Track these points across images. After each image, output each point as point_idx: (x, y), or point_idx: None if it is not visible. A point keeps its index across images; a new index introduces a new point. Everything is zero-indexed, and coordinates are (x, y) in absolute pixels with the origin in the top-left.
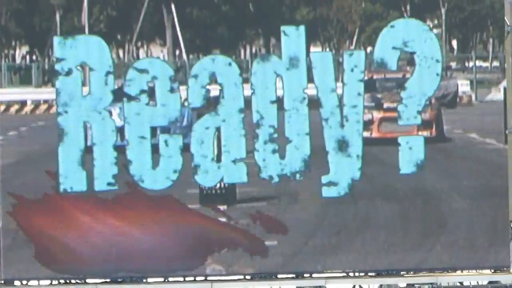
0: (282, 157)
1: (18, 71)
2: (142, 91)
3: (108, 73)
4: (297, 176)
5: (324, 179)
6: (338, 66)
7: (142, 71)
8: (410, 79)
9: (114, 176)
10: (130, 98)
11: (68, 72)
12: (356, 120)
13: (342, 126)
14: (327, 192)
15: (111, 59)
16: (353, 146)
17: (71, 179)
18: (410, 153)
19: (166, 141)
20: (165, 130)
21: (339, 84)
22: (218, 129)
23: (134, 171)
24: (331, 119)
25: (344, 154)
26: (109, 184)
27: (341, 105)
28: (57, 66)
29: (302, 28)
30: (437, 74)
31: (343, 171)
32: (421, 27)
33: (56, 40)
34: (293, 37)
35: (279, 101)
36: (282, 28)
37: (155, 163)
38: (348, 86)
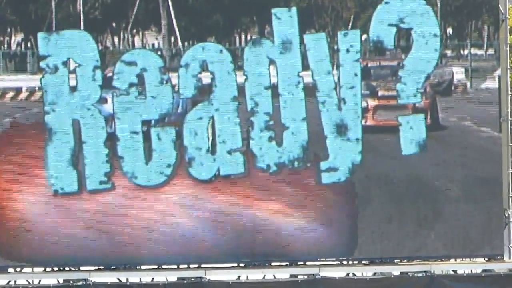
0: (279, 144)
1: (13, 58)
2: (131, 84)
3: (95, 67)
4: (296, 163)
5: (324, 164)
6: (333, 54)
7: (130, 63)
8: (408, 56)
9: (107, 173)
10: (119, 92)
11: (54, 69)
12: (354, 102)
13: (339, 109)
14: (327, 178)
15: (98, 53)
16: (352, 129)
17: (62, 179)
18: (412, 133)
19: (158, 135)
20: (159, 119)
21: (335, 72)
22: (211, 119)
23: (127, 167)
24: (328, 102)
25: (343, 138)
26: (101, 182)
27: (337, 88)
28: (42, 64)
29: (294, 10)
30: (436, 50)
31: (342, 155)
32: (416, 1)
33: (40, 36)
34: (285, 20)
35: (273, 87)
36: (274, 11)
37: (148, 158)
38: (344, 67)
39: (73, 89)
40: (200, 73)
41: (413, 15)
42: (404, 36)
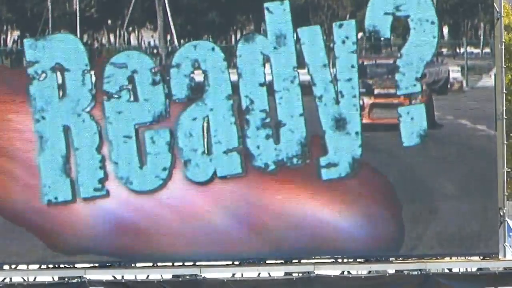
0: (277, 142)
1: (10, 56)
2: (123, 88)
3: (84, 72)
4: (294, 160)
5: (323, 160)
6: (330, 53)
7: (120, 66)
8: (405, 44)
9: (100, 180)
10: (110, 96)
11: (42, 76)
12: (352, 94)
13: (337, 102)
14: (327, 174)
15: (87, 57)
16: (351, 123)
17: (55, 188)
18: (412, 124)
19: (152, 138)
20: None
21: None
22: (206, 119)
23: (121, 172)
24: (325, 96)
25: (342, 132)
26: (95, 189)
27: (334, 81)
28: (30, 70)
29: (286, 3)
30: (434, 37)
31: (342, 150)
32: None
33: (27, 42)
34: (278, 13)
35: (269, 84)
36: (266, 5)
37: (142, 162)
38: (340, 59)
39: (62, 95)
40: (192, 72)
41: (410, 2)
42: (400, 26)
